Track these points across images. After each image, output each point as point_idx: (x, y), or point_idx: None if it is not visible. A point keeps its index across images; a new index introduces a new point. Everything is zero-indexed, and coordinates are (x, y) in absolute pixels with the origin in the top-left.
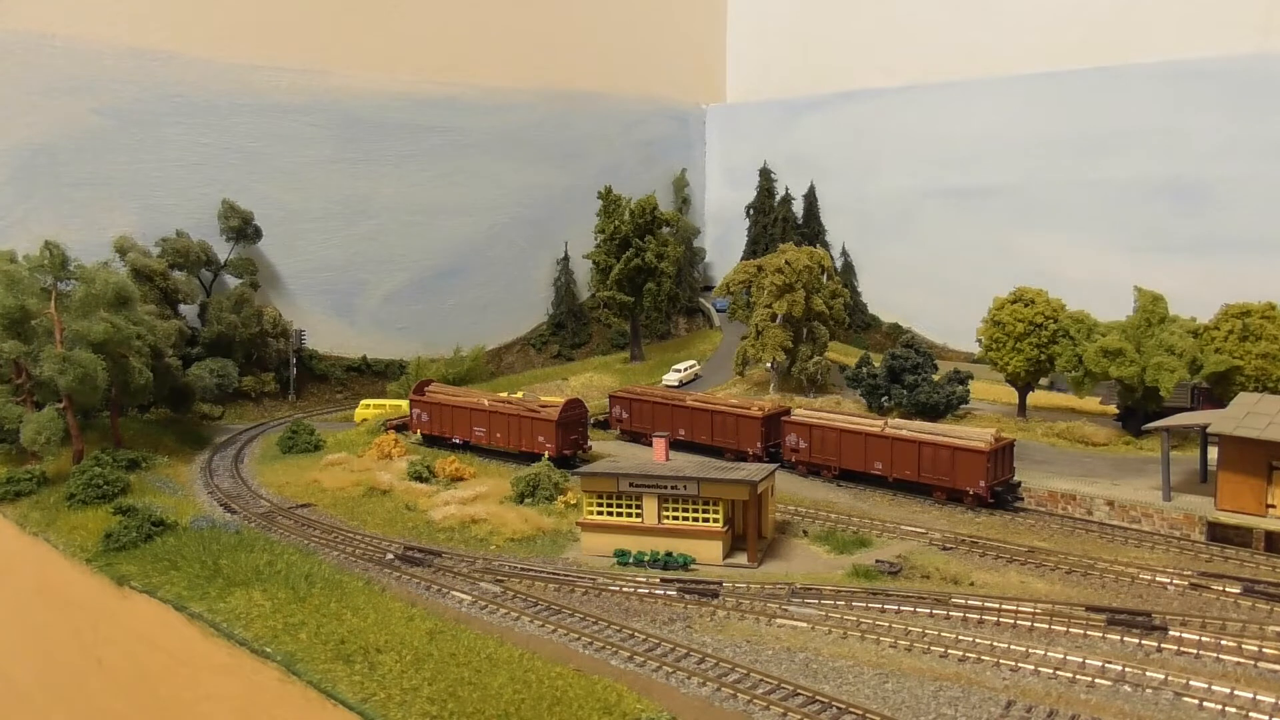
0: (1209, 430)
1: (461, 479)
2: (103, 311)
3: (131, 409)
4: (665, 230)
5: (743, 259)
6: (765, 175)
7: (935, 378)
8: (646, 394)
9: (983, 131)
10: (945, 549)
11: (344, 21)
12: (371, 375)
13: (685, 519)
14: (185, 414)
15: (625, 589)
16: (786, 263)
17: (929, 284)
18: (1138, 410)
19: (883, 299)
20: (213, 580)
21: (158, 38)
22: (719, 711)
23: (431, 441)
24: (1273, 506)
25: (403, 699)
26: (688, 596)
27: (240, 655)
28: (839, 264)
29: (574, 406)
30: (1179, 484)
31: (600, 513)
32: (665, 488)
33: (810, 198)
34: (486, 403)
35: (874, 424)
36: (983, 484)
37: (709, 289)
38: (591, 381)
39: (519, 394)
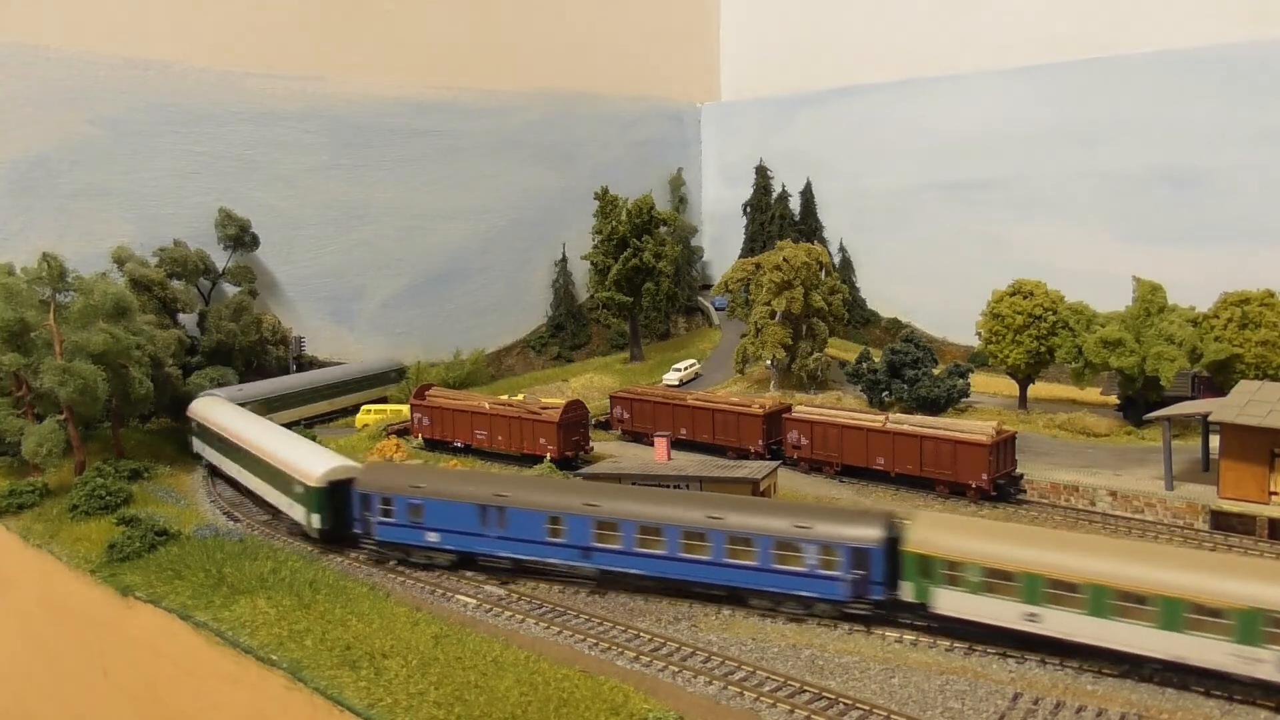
0: (1210, 419)
1: None
2: (102, 322)
3: (132, 419)
4: (663, 230)
5: (740, 257)
6: (761, 172)
7: (935, 371)
8: (647, 394)
9: (978, 124)
10: None
11: (338, 27)
12: None
13: None
14: (186, 423)
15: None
16: (784, 259)
17: (927, 278)
18: (1138, 400)
19: (881, 294)
20: (217, 589)
21: (151, 48)
22: (726, 710)
23: (433, 445)
24: (1275, 494)
25: (409, 704)
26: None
27: (246, 663)
28: (837, 259)
29: (575, 408)
30: (1181, 473)
31: None
32: (668, 487)
33: (807, 194)
34: (487, 406)
35: (875, 419)
36: (985, 477)
37: (707, 287)
38: (592, 382)
39: (519, 396)
